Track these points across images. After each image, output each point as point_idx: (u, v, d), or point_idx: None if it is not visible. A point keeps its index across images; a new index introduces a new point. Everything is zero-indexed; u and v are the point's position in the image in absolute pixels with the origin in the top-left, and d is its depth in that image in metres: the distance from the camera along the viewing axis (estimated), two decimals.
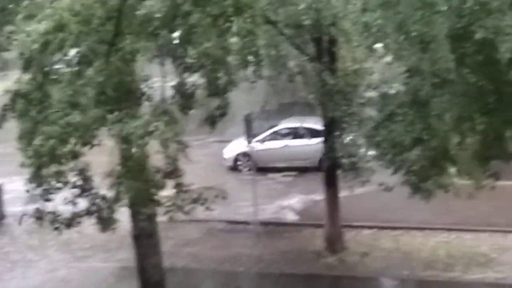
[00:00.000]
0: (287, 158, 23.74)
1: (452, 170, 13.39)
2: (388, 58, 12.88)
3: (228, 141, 25.16)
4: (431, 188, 13.58)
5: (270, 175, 24.98)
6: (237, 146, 24.52)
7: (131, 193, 12.49)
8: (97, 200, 13.14)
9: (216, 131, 17.08)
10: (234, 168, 24.56)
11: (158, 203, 13.20)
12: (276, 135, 24.66)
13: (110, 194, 12.75)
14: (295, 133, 24.11)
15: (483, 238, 18.99)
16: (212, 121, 14.37)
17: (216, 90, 13.26)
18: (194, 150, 14.19)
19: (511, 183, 19.51)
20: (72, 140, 11.73)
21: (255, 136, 22.46)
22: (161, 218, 14.29)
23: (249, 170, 22.77)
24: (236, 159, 24.64)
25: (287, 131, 24.36)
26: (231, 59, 13.08)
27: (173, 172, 12.98)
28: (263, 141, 24.52)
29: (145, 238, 15.56)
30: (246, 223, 21.07)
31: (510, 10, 10.41)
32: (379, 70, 14.78)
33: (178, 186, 13.24)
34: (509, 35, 10.15)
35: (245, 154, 24.08)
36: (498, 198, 18.70)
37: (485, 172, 13.85)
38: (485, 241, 18.79)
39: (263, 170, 23.74)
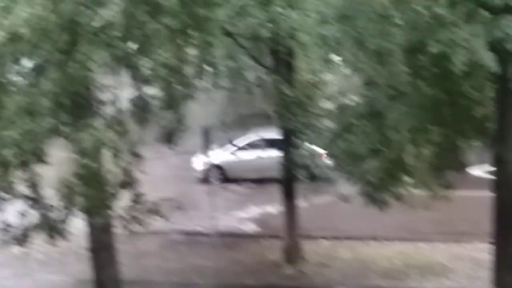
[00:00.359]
0: (259, 169, 23.68)
1: (408, 180, 13.56)
2: (346, 70, 13.00)
3: (188, 153, 25.11)
4: (386, 198, 13.72)
5: (231, 186, 25.06)
6: (208, 158, 24.51)
7: (85, 203, 12.38)
8: (48, 212, 12.96)
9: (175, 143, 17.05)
10: (206, 180, 24.52)
11: (113, 214, 13.10)
12: (249, 146, 24.71)
13: (61, 205, 12.61)
14: (267, 144, 24.05)
15: (439, 247, 19.23)
16: (169, 136, 14.32)
17: (172, 103, 13.22)
18: (153, 162, 14.16)
19: (465, 193, 19.91)
20: (25, 149, 11.61)
21: (224, 147, 22.42)
22: (118, 230, 14.18)
23: (222, 181, 22.80)
24: (207, 171, 24.62)
25: (259, 142, 24.29)
26: (188, 70, 13.07)
27: (128, 183, 12.91)
28: (234, 152, 24.58)
29: (102, 250, 15.39)
30: (205, 234, 21.03)
31: (464, 23, 10.59)
32: (336, 82, 14.91)
33: (134, 197, 13.17)
34: (463, 48, 10.32)
35: (216, 166, 24.08)
36: (453, 208, 18.96)
37: (439, 182, 14.06)
38: (441, 251, 19.02)
39: (235, 181, 23.80)
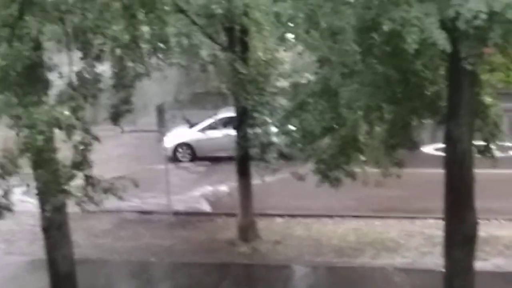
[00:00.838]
0: (227, 147, 23.53)
1: (360, 158, 13.69)
2: (299, 48, 13.00)
3: (141, 131, 24.98)
4: (339, 176, 13.83)
5: (184, 164, 25.02)
6: (176, 136, 24.39)
7: (39, 183, 12.21)
8: None
9: (129, 122, 16.94)
10: (174, 158, 24.41)
11: (67, 194, 12.94)
12: (217, 125, 24.62)
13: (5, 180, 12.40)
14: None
15: (391, 224, 19.50)
16: (116, 115, 14.17)
17: (123, 81, 13.08)
18: (106, 140, 14.01)
19: (418, 171, 20.21)
20: None
21: (192, 125, 22.18)
22: (71, 209, 14.06)
23: (191, 160, 22.64)
24: (175, 149, 24.50)
25: (228, 120, 24.14)
26: (142, 47, 12.96)
27: (82, 163, 12.75)
28: (203, 130, 24.47)
29: (54, 229, 15.20)
30: (159, 213, 21.00)
31: (417, 2, 10.65)
32: (290, 60, 14.93)
33: (88, 176, 13.03)
34: (415, 26, 10.38)
35: (184, 144, 23.96)
36: (406, 185, 19.22)
37: (392, 160, 14.22)
38: (394, 227, 19.29)
39: (203, 159, 23.67)
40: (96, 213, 14.51)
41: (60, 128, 11.67)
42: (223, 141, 23.53)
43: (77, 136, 12.24)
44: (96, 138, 12.67)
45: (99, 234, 19.70)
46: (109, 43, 12.14)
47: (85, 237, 18.86)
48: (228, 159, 22.09)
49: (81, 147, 12.35)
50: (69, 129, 11.64)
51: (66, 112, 11.41)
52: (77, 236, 16.12)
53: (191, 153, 24.34)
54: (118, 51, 12.34)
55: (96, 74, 12.93)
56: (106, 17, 11.86)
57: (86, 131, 12.15)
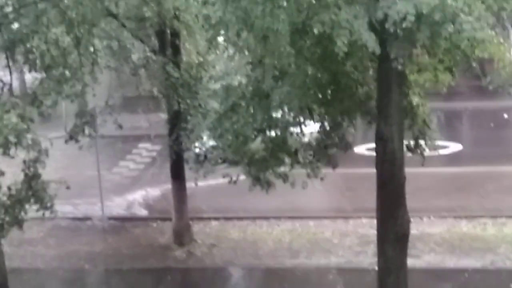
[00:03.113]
0: None
1: (291, 159, 13.77)
2: (230, 51, 12.99)
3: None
4: (270, 179, 13.89)
5: (116, 169, 24.75)
6: None
7: None
8: None
9: (58, 127, 16.69)
10: None
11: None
12: None
13: None
14: None
15: (325, 224, 19.66)
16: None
17: (58, 85, 12.90)
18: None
19: (350, 171, 20.44)
20: None
21: None
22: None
23: None
24: None
25: None
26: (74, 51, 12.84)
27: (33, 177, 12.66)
28: None
29: None
30: (92, 219, 20.72)
31: (346, 5, 10.77)
32: (222, 62, 14.92)
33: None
34: (345, 29, 10.49)
35: None
36: (339, 186, 19.46)
37: (324, 161, 14.33)
38: (328, 227, 19.45)
39: None
40: (27, 221, 14.24)
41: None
42: None
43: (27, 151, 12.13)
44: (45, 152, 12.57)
45: (32, 243, 19.30)
46: (50, 48, 11.99)
47: (17, 246, 18.46)
48: None
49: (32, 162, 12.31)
50: (19, 136, 11.46)
51: (14, 120, 11.22)
52: (8, 246, 15.77)
53: None
54: (57, 55, 12.18)
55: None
56: (43, 21, 11.74)
57: (35, 141, 12.01)
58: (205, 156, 16.39)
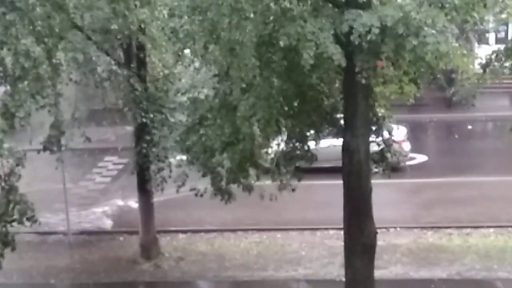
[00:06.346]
0: (331, 158, 21.35)
1: (259, 172, 13.78)
2: (197, 64, 12.99)
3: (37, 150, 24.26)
4: (234, 191, 13.90)
5: (82, 182, 24.51)
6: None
7: None
8: None
9: (24, 141, 16.47)
10: None
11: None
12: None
13: None
14: None
15: (293, 236, 19.68)
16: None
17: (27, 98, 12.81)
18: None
19: (317, 182, 20.51)
20: None
21: None
22: None
23: None
24: None
25: None
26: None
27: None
28: None
29: None
30: (58, 233, 20.48)
31: (312, 17, 10.84)
32: (188, 75, 14.89)
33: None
34: (311, 41, 10.56)
35: None
36: (306, 197, 19.48)
37: (291, 172, 14.38)
38: (295, 239, 19.48)
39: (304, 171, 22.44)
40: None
41: None
42: (328, 151, 21.20)
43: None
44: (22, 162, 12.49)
45: None
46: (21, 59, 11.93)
47: None
48: (331, 170, 19.18)
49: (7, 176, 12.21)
50: None
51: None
52: None
53: None
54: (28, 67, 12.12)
55: None
56: (12, 33, 11.69)
57: (11, 151, 11.91)
58: (170, 169, 16.36)
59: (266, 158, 13.89)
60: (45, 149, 15.95)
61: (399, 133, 24.27)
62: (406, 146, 23.99)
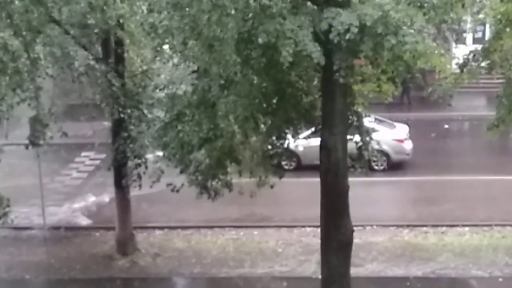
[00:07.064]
0: None
1: (237, 168, 13.77)
2: (175, 59, 12.94)
3: (14, 145, 24.07)
4: (216, 187, 13.87)
5: (59, 178, 24.37)
6: None
7: None
8: None
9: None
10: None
11: None
12: None
13: None
14: None
15: (270, 233, 19.69)
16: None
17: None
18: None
19: (295, 180, 20.55)
20: None
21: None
22: None
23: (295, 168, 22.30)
24: None
25: None
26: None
27: None
28: (308, 137, 22.29)
29: None
30: (33, 229, 20.35)
31: (291, 15, 10.84)
32: (167, 71, 14.84)
33: None
34: (289, 39, 10.56)
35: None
36: (283, 194, 19.50)
37: (269, 169, 14.38)
38: (272, 237, 19.49)
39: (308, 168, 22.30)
40: None
41: None
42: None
43: None
44: None
45: None
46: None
47: None
48: None
49: None
50: None
51: None
52: None
53: (296, 160, 23.18)
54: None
55: None
56: None
57: None
58: (147, 165, 16.29)
59: (245, 154, 13.86)
60: (31, 143, 15.79)
61: (401, 131, 24.50)
62: (408, 144, 24.16)
